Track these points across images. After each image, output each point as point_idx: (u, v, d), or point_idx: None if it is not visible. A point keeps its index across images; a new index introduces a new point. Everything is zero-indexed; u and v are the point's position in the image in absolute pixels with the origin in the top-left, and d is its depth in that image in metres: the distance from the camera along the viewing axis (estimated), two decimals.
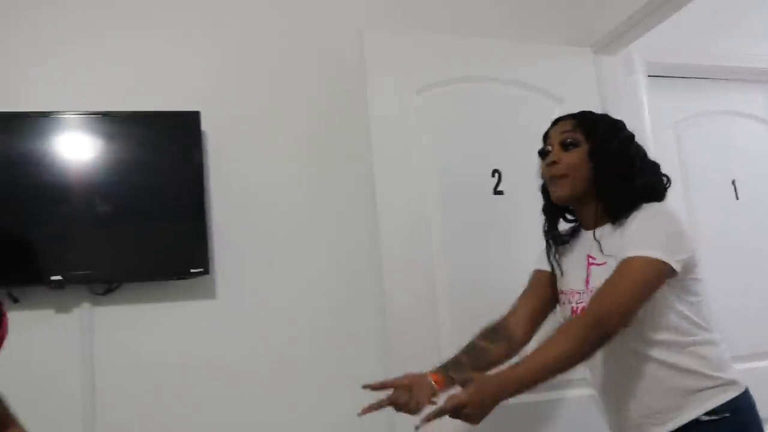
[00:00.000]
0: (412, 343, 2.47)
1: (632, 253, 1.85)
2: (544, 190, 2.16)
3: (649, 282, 1.85)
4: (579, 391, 2.62)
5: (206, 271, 2.42)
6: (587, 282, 2.05)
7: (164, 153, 2.44)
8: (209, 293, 2.50)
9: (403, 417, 1.92)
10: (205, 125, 2.52)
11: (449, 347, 2.47)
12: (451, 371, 2.02)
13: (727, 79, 3.51)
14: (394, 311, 2.47)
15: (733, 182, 3.38)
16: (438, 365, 2.05)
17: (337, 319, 2.61)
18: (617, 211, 1.99)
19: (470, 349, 2.12)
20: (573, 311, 2.07)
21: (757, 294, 3.25)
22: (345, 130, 2.73)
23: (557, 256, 2.19)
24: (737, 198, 3.37)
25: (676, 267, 1.86)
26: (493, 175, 2.70)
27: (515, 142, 2.72)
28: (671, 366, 1.91)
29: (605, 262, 1.98)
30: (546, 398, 2.61)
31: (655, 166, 2.09)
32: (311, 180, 2.68)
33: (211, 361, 2.48)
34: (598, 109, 2.76)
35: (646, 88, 3.16)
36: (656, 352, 1.92)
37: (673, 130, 3.35)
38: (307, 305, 2.60)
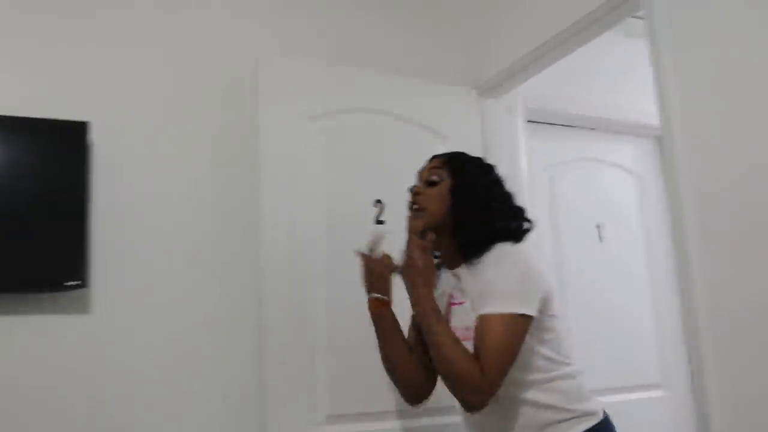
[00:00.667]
0: (288, 362, 2.53)
1: (489, 309, 1.94)
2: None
3: (513, 338, 1.93)
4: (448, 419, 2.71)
5: (83, 284, 2.39)
6: (448, 321, 2.12)
7: (49, 161, 2.41)
8: (83, 307, 2.47)
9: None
10: (95, 135, 2.51)
11: (323, 367, 2.57)
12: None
13: (598, 129, 3.76)
14: (270, 331, 2.53)
15: (598, 226, 3.61)
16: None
17: (215, 339, 2.63)
18: (468, 251, 2.10)
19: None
20: None
21: (618, 331, 3.49)
22: (235, 151, 2.78)
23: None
24: (601, 240, 3.60)
25: (534, 313, 1.97)
26: (375, 205, 2.79)
27: (399, 175, 2.82)
28: (534, 403, 2.02)
29: (463, 302, 2.11)
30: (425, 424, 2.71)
31: (518, 211, 2.19)
32: (198, 198, 2.71)
33: (80, 383, 2.43)
34: (479, 150, 2.96)
35: (524, 132, 3.34)
36: (522, 392, 2.03)
37: (547, 173, 3.56)
38: (187, 324, 2.61)
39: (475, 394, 1.91)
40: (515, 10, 3.13)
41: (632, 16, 3.48)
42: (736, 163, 2.12)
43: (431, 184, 2.20)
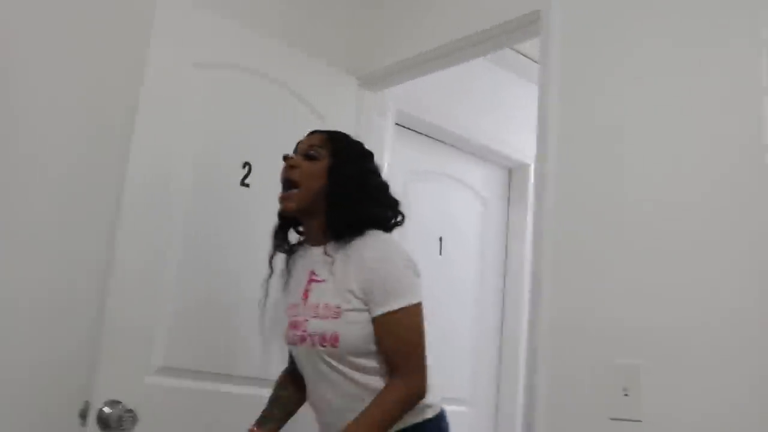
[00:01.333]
0: (129, 307, 2.46)
1: (395, 305, 2.03)
2: (280, 197, 2.26)
3: (422, 327, 2.07)
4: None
5: None
6: (305, 297, 2.18)
7: None
8: None
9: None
10: None
11: (165, 318, 2.53)
12: (269, 425, 2.24)
13: (456, 147, 3.94)
14: (116, 273, 2.45)
15: (440, 239, 3.77)
16: (255, 421, 2.24)
17: (55, 280, 2.51)
18: (338, 233, 2.14)
19: (274, 401, 2.32)
20: (290, 324, 2.20)
21: (440, 341, 3.62)
22: (115, 81, 2.68)
23: (292, 264, 2.32)
24: (440, 254, 3.76)
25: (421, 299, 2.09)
26: (243, 167, 2.81)
27: (271, 141, 2.84)
28: (375, 390, 2.07)
29: (325, 280, 2.14)
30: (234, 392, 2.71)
31: (393, 201, 2.26)
32: (65, 122, 2.57)
33: None
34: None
35: (392, 132, 3.45)
36: (362, 377, 2.09)
37: (403, 179, 3.68)
38: (28, 257, 2.46)
39: (421, 393, 2.06)
40: (412, 10, 3.24)
41: (513, 48, 3.74)
42: (594, 199, 2.35)
43: (309, 158, 2.22)
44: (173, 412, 2.52)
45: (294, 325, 2.18)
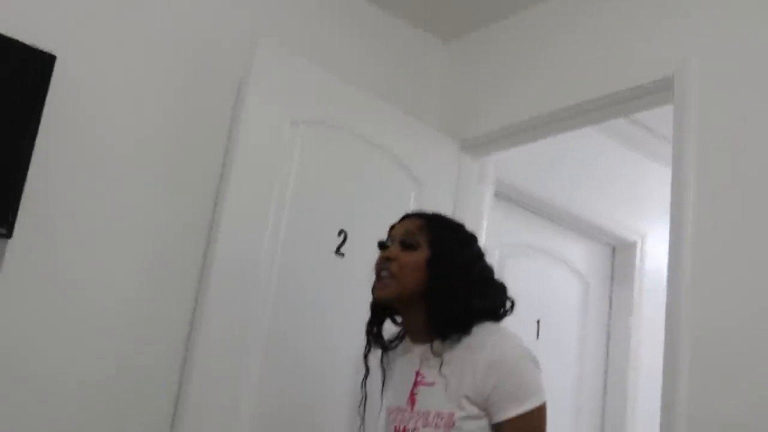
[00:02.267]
0: (216, 390, 2.31)
1: (521, 409, 1.85)
2: (374, 286, 2.08)
3: (545, 430, 1.90)
4: None
5: (8, 234, 2.12)
6: (412, 401, 1.99)
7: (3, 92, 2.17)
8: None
9: None
10: (57, 74, 2.26)
11: (253, 403, 2.36)
12: None
13: (555, 221, 3.75)
14: (199, 368, 2.31)
15: (538, 321, 3.55)
16: None
17: (139, 327, 2.40)
18: (447, 330, 1.96)
19: None
20: (396, 430, 2.01)
21: None
22: (205, 136, 2.59)
23: (386, 361, 2.15)
24: (537, 338, 3.53)
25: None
26: (339, 234, 2.65)
27: (365, 206, 2.73)
28: None
29: (435, 383, 1.95)
30: None
31: (500, 288, 2.08)
32: (152, 172, 2.48)
33: None
34: (449, 208, 2.86)
35: (490, 203, 3.28)
36: None
37: (499, 254, 3.49)
38: (110, 303, 2.36)
39: None
40: (518, 73, 3.09)
41: (629, 119, 3.57)
42: (735, 315, 2.17)
43: (406, 246, 2.03)
44: None
45: None
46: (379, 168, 2.84)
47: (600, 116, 2.86)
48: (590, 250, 3.89)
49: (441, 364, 1.94)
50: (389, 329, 2.17)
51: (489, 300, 2.03)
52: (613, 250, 3.96)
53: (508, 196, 3.53)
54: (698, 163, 2.35)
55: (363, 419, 2.25)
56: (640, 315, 3.74)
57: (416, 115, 3.05)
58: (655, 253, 3.81)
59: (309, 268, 2.58)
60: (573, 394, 3.65)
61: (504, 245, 3.50)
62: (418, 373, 2.01)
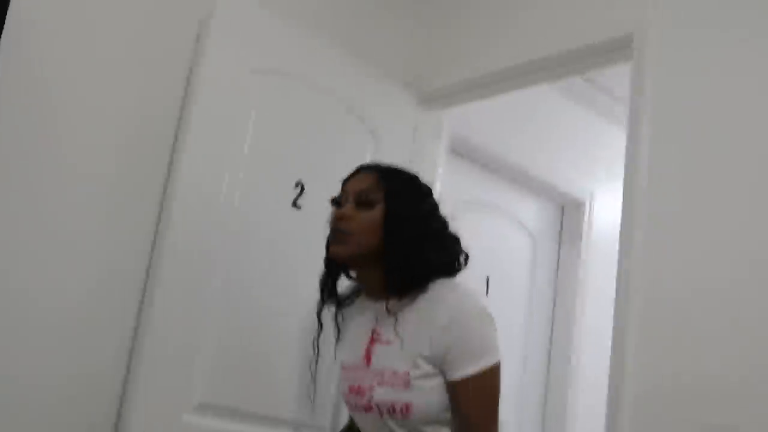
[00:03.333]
0: (169, 336, 2.31)
1: (476, 367, 1.88)
2: (328, 242, 2.08)
3: (499, 389, 1.93)
4: None
5: None
6: (368, 359, 2.02)
7: None
8: None
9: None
10: (14, 11, 2.18)
11: (207, 350, 2.37)
12: None
13: (508, 179, 3.79)
14: (157, 296, 2.30)
15: (488, 278, 3.60)
16: None
17: (94, 291, 2.35)
18: (404, 287, 1.98)
19: None
20: (350, 389, 2.03)
21: None
22: (164, 86, 2.53)
23: (341, 317, 2.16)
24: (486, 294, 3.59)
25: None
26: (296, 186, 2.65)
27: (324, 158, 2.72)
28: None
29: (390, 342, 1.97)
30: None
31: (454, 240, 2.10)
32: (112, 132, 2.43)
33: None
34: (405, 160, 2.87)
35: (444, 158, 3.29)
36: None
37: (451, 210, 3.52)
38: (68, 265, 2.31)
39: None
40: (482, 26, 3.10)
41: (584, 79, 3.62)
42: (685, 244, 2.23)
43: (362, 204, 2.02)
44: None
45: (357, 391, 2.00)
46: (337, 120, 2.82)
47: (558, 73, 2.89)
48: (540, 207, 3.95)
49: (396, 323, 1.96)
50: (344, 284, 2.18)
51: (445, 253, 2.05)
52: (562, 208, 4.02)
53: (462, 152, 3.55)
54: (654, 122, 2.39)
55: (314, 375, 2.28)
56: (586, 273, 3.82)
57: (377, 68, 3.03)
58: (603, 212, 3.89)
59: (266, 219, 2.57)
60: (520, 350, 3.72)
61: (456, 201, 3.52)
62: (374, 331, 2.03)
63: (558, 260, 3.96)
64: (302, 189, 2.65)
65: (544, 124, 3.78)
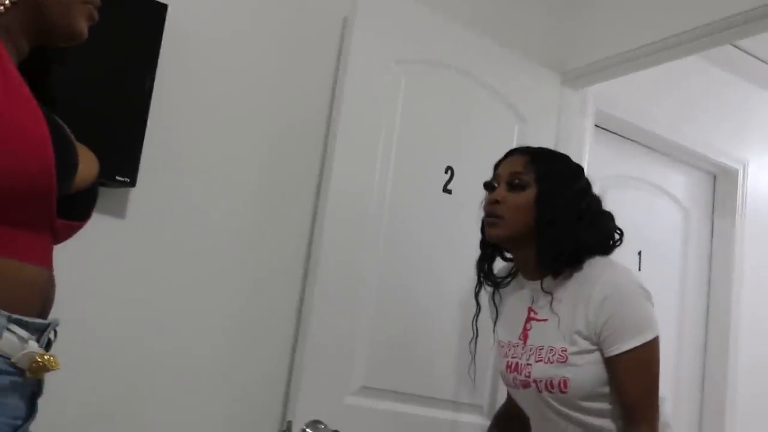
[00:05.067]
0: (330, 324, 2.44)
1: (634, 342, 1.93)
2: (483, 225, 2.16)
3: (658, 364, 1.98)
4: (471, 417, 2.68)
5: (132, 183, 2.25)
6: (525, 337, 2.09)
7: (117, 42, 2.24)
8: (120, 210, 2.32)
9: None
10: (171, 20, 2.34)
11: (366, 337, 2.49)
12: None
13: (657, 151, 3.75)
14: (317, 288, 2.42)
15: (639, 253, 3.60)
16: None
17: (255, 280, 2.50)
18: (558, 266, 2.03)
19: None
20: (508, 366, 2.11)
21: None
22: (313, 79, 2.65)
23: (498, 297, 2.23)
24: (639, 269, 3.58)
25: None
26: (446, 172, 2.73)
27: (473, 143, 2.80)
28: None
29: (547, 319, 2.04)
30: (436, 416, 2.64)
31: (608, 219, 2.13)
32: (265, 119, 2.57)
33: (111, 288, 2.28)
34: (552, 141, 2.91)
35: (591, 135, 3.31)
36: (593, 420, 2.01)
37: (600, 186, 3.53)
38: (225, 256, 2.47)
39: None
40: (619, 3, 3.10)
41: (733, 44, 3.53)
42: None
43: (514, 187, 2.08)
44: None
45: (514, 368, 2.09)
46: (482, 104, 2.88)
47: (703, 44, 2.84)
48: (691, 178, 3.88)
49: (552, 301, 2.03)
50: (499, 264, 2.26)
51: (599, 232, 2.09)
52: (714, 177, 3.95)
53: (609, 128, 3.54)
54: None
55: (474, 356, 2.36)
56: (742, 243, 3.75)
57: (518, 50, 3.07)
58: (759, 180, 3.81)
59: (418, 206, 2.66)
60: (675, 325, 3.69)
61: (604, 177, 3.53)
62: (530, 310, 2.10)
63: (712, 231, 3.89)
64: (452, 174, 2.73)
65: (691, 92, 3.71)
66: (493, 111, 2.90)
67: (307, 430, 2.30)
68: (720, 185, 3.92)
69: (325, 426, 2.32)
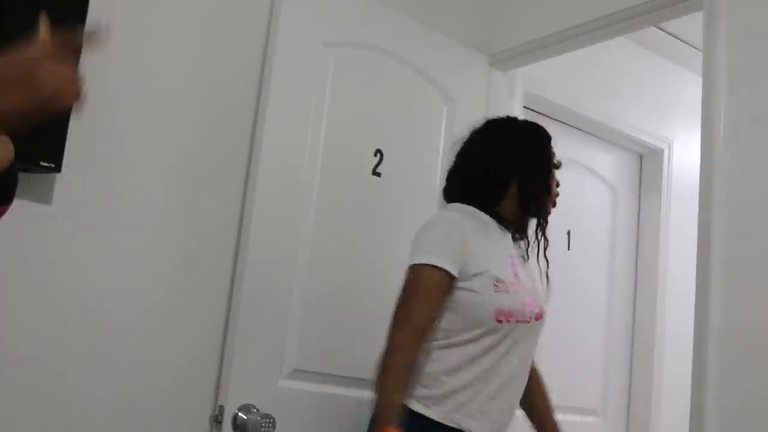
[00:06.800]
0: (260, 306, 2.47)
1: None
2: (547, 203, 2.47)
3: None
4: None
5: (57, 169, 2.24)
6: (516, 274, 2.36)
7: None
8: (46, 196, 2.32)
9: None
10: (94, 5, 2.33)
11: (296, 319, 2.52)
12: None
13: (584, 132, 3.84)
14: (247, 271, 2.46)
15: (568, 233, 3.69)
16: None
17: (184, 267, 2.51)
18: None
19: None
20: (524, 302, 2.27)
21: (567, 346, 3.56)
22: (240, 61, 2.65)
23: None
24: (569, 249, 3.68)
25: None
26: (375, 155, 2.78)
27: (401, 126, 2.85)
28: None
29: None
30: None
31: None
32: (193, 103, 2.57)
33: (36, 276, 2.28)
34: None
35: (520, 115, 3.37)
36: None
37: None
38: (155, 240, 2.47)
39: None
40: None
41: (658, 27, 3.63)
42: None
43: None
44: (307, 417, 2.52)
45: (531, 302, 2.29)
46: (411, 87, 2.93)
47: (628, 26, 2.91)
48: (618, 158, 3.98)
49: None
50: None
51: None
52: (641, 157, 4.06)
53: (537, 109, 3.61)
54: (729, 71, 2.42)
55: None
56: (667, 220, 3.87)
57: (447, 33, 3.11)
58: (683, 160, 3.93)
59: (347, 189, 2.70)
60: (604, 304, 3.81)
61: None
62: (511, 253, 2.38)
63: (639, 210, 4.01)
64: (381, 157, 2.78)
65: (618, 74, 3.80)
66: (421, 93, 2.95)
67: (240, 414, 2.34)
68: (646, 165, 4.04)
69: (258, 410, 2.36)
